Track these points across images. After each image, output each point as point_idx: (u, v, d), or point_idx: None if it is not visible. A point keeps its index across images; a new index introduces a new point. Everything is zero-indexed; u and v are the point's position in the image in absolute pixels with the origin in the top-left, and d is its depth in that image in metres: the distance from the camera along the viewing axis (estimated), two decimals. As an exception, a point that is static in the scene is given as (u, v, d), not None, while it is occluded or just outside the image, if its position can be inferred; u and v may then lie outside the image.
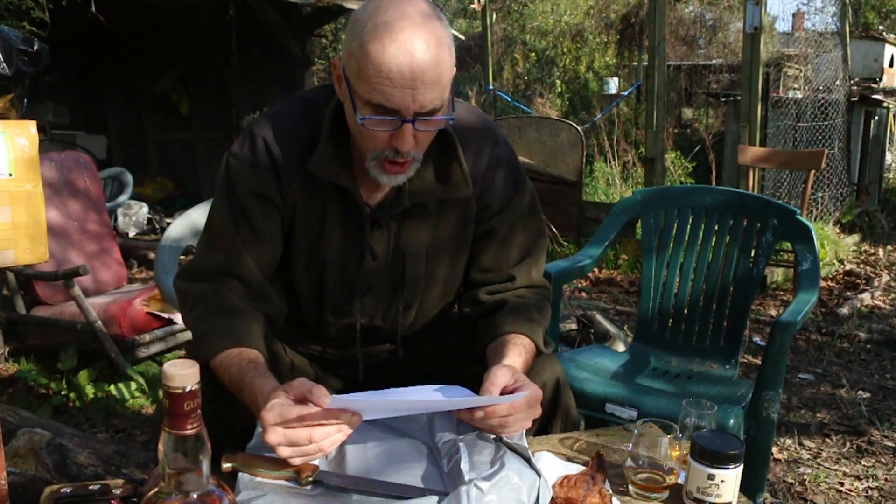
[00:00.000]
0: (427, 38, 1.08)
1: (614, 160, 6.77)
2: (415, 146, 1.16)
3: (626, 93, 9.00)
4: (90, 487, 1.06)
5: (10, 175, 2.51)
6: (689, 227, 2.11)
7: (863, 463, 2.45)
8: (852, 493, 2.26)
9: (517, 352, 1.24)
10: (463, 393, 1.15)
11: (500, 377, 1.12)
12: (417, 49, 1.07)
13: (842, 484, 2.31)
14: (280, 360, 1.39)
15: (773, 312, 4.13)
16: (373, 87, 1.09)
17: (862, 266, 5.27)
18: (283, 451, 1.00)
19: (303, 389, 1.02)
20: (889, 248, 5.85)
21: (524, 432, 1.15)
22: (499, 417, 1.09)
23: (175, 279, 1.32)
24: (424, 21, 1.09)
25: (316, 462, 1.06)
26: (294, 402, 1.02)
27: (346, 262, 1.32)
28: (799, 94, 6.31)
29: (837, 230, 5.91)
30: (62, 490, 1.07)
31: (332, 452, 1.11)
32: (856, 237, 5.96)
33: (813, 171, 3.98)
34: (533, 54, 10.88)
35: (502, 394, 1.11)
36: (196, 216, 2.49)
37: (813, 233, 1.94)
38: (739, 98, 5.20)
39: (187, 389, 0.73)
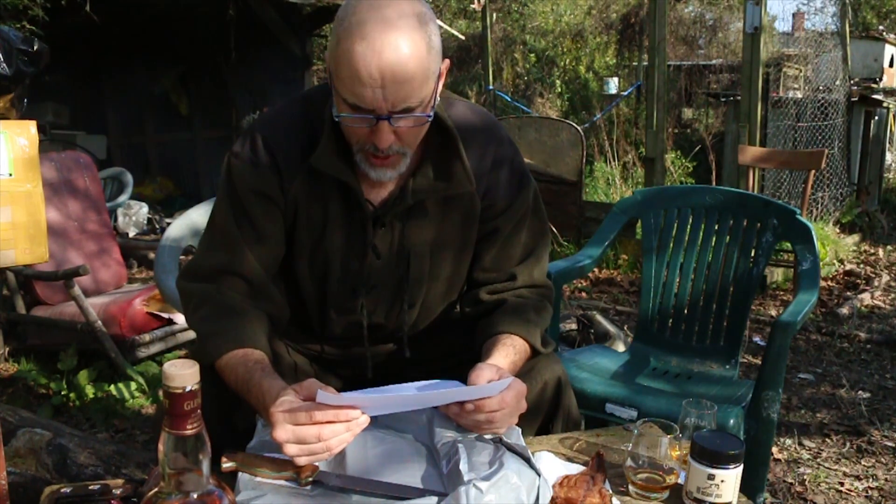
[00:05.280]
0: (399, 36, 1.07)
1: (614, 160, 6.77)
2: (397, 142, 1.16)
3: (626, 93, 9.00)
4: (90, 487, 1.06)
5: (10, 175, 2.51)
6: (689, 227, 2.11)
7: (863, 463, 2.45)
8: (852, 493, 2.26)
9: (505, 352, 1.25)
10: (456, 385, 1.15)
11: (484, 374, 1.13)
12: (386, 48, 1.06)
13: (842, 484, 2.31)
14: (282, 360, 1.39)
15: (773, 312, 4.13)
16: (346, 87, 1.10)
17: (862, 266, 5.27)
18: (291, 449, 1.00)
19: (312, 390, 1.03)
20: (889, 248, 5.85)
21: (521, 432, 1.16)
22: (486, 413, 1.09)
23: (178, 280, 1.32)
24: (399, 19, 1.08)
25: (316, 462, 1.06)
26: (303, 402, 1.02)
27: (349, 260, 1.32)
28: (799, 94, 6.32)
29: (837, 230, 5.91)
30: (62, 490, 1.07)
31: (332, 452, 1.12)
32: (856, 237, 5.96)
33: (813, 171, 3.98)
34: (533, 54, 10.87)
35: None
36: (196, 216, 2.49)
37: (813, 233, 1.94)
38: (739, 98, 5.20)
39: (187, 389, 0.73)
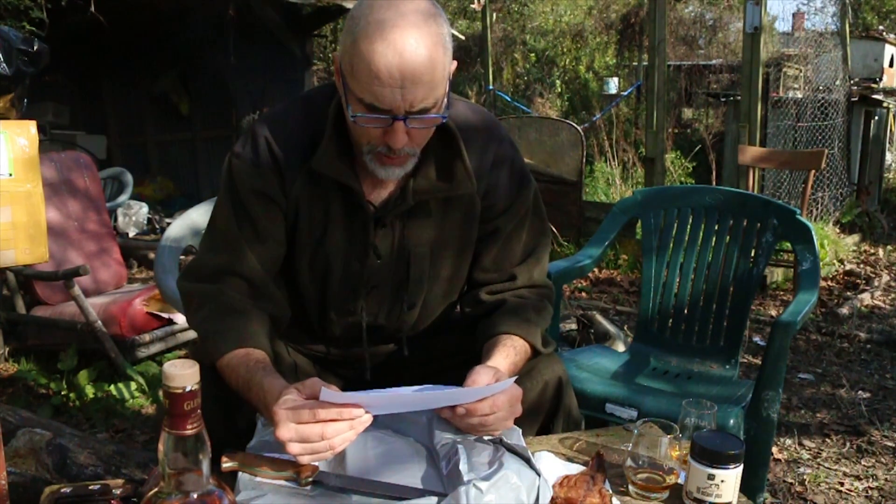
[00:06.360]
0: (419, 37, 1.07)
1: (614, 160, 6.77)
2: (409, 143, 1.16)
3: (626, 93, 9.01)
4: (90, 487, 1.06)
5: (10, 175, 2.51)
6: (689, 227, 2.11)
7: (863, 463, 2.45)
8: (852, 493, 2.26)
9: (504, 353, 1.24)
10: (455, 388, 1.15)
11: (481, 377, 1.13)
12: (408, 48, 1.06)
13: (842, 484, 2.31)
14: (282, 361, 1.39)
15: (773, 312, 4.13)
16: (364, 87, 1.09)
17: (862, 266, 5.27)
18: (294, 448, 1.00)
19: (315, 389, 1.02)
20: (889, 248, 5.85)
21: (521, 432, 1.15)
22: (479, 416, 1.09)
23: (179, 280, 1.32)
24: (418, 19, 1.08)
25: (316, 462, 1.06)
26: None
27: (349, 261, 1.32)
28: (799, 94, 6.31)
29: (837, 230, 5.91)
30: (62, 490, 1.07)
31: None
32: (856, 237, 5.96)
33: (813, 171, 3.98)
34: (533, 54, 10.88)
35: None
36: (196, 216, 2.49)
37: (813, 233, 1.94)
38: (739, 98, 5.20)
39: (187, 389, 0.73)
